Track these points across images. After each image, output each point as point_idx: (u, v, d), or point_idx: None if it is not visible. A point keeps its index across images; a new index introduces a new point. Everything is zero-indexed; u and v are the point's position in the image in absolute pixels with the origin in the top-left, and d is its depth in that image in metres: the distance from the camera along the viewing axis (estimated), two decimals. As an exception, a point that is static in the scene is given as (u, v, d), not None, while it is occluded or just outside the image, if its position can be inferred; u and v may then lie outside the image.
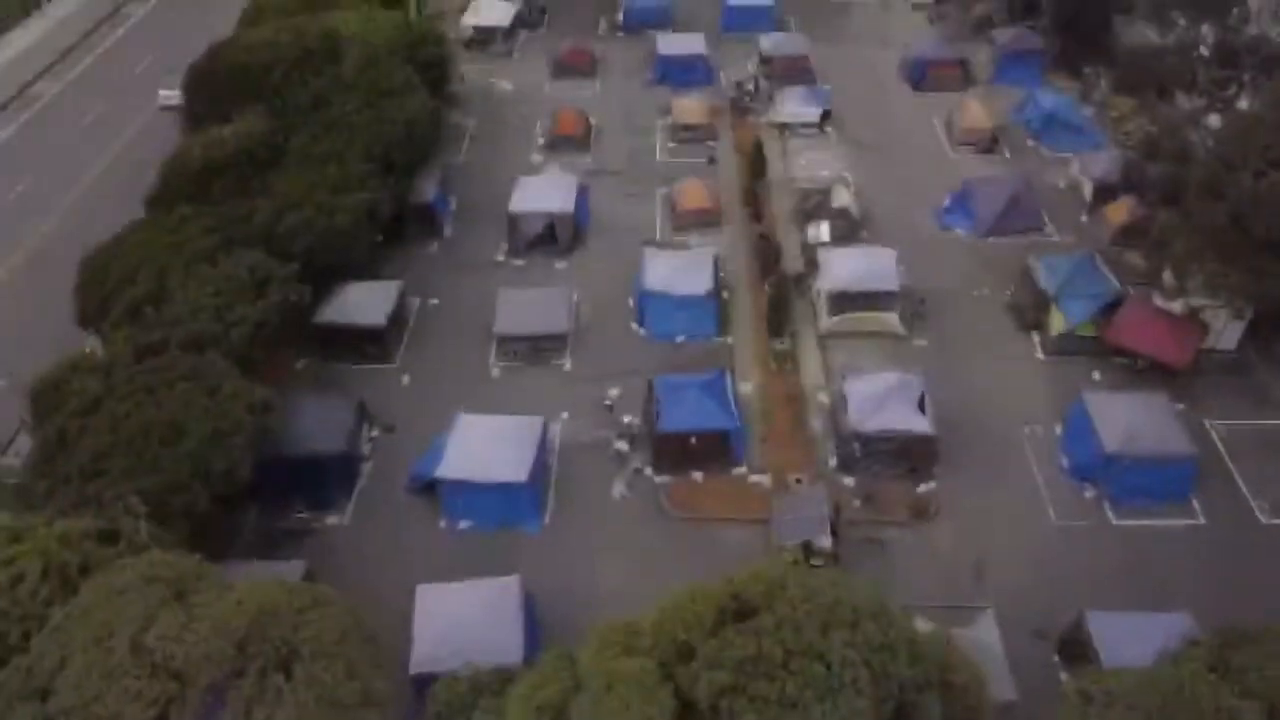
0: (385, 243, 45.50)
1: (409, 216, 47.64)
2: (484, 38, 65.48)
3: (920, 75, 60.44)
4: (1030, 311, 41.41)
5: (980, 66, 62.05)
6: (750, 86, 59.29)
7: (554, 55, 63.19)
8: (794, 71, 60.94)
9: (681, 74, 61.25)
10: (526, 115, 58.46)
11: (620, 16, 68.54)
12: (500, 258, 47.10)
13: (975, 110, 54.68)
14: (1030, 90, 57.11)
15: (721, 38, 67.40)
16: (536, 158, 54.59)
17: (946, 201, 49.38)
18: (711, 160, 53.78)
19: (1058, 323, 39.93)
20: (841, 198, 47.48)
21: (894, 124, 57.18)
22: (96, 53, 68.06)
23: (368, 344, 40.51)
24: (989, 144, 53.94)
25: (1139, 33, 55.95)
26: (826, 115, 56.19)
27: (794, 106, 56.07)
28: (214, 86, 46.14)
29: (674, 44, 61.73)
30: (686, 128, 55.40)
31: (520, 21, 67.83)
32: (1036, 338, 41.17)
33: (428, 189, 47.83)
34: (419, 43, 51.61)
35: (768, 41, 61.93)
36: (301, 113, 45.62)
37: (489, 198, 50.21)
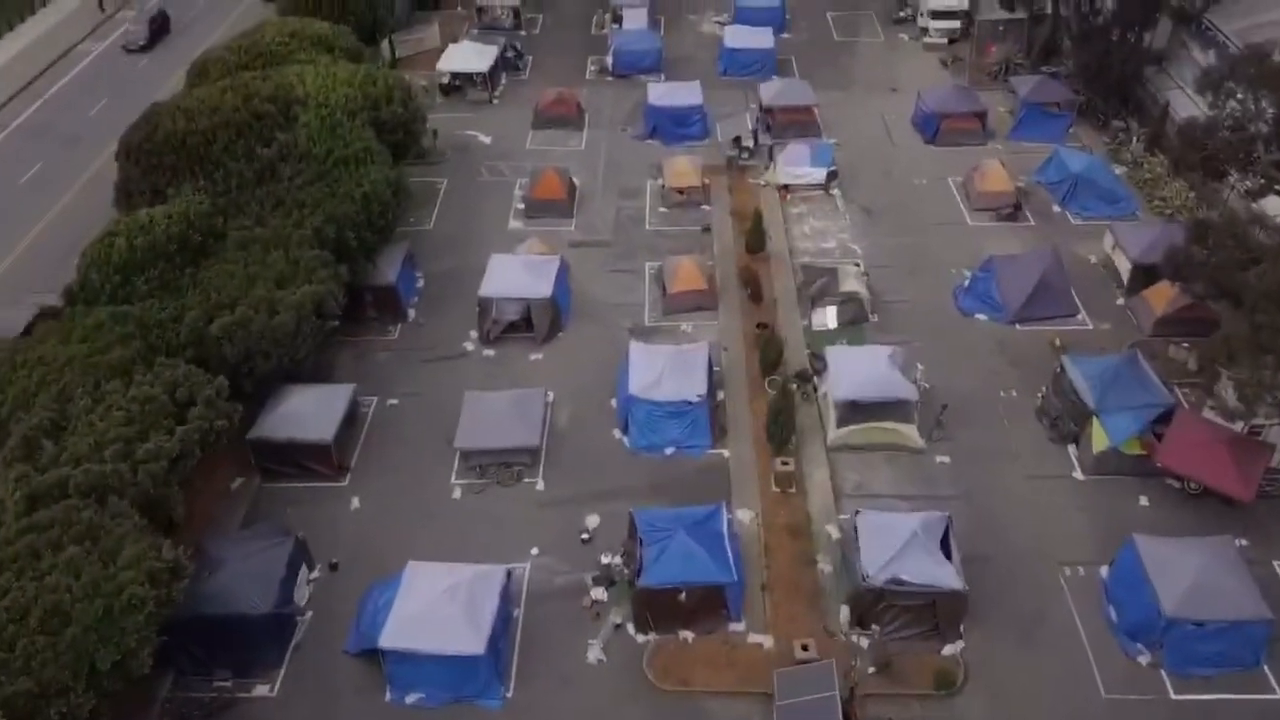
0: (342, 327, 40.59)
1: (369, 299, 42.78)
2: (462, 83, 60.61)
3: (934, 128, 55.55)
4: (1065, 421, 36.48)
5: (999, 117, 57.25)
6: (748, 142, 54.37)
7: (536, 104, 58.31)
8: (797, 124, 56.11)
9: (674, 127, 56.39)
10: (505, 173, 53.60)
11: (609, 59, 63.67)
12: (470, 346, 42.16)
13: (995, 172, 49.76)
14: (1055, 147, 52.19)
15: (719, 81, 62.70)
16: (515, 224, 49.69)
17: (966, 280, 44.48)
18: (706, 229, 48.87)
19: (1099, 439, 34.97)
20: (850, 281, 42.52)
21: (906, 185, 52.24)
22: (44, 97, 63.31)
23: (313, 461, 35.60)
24: (1011, 209, 49.01)
25: (1184, 101, 51.14)
26: (832, 176, 51.28)
27: (796, 166, 51.13)
28: (149, 159, 41.31)
29: (666, 94, 56.80)
30: (678, 191, 50.48)
31: (502, 64, 62.99)
32: (1074, 452, 36.24)
33: (390, 269, 42.91)
34: (384, 100, 46.65)
35: (768, 90, 57.00)
36: (246, 188, 40.84)
37: (461, 272, 45.44)
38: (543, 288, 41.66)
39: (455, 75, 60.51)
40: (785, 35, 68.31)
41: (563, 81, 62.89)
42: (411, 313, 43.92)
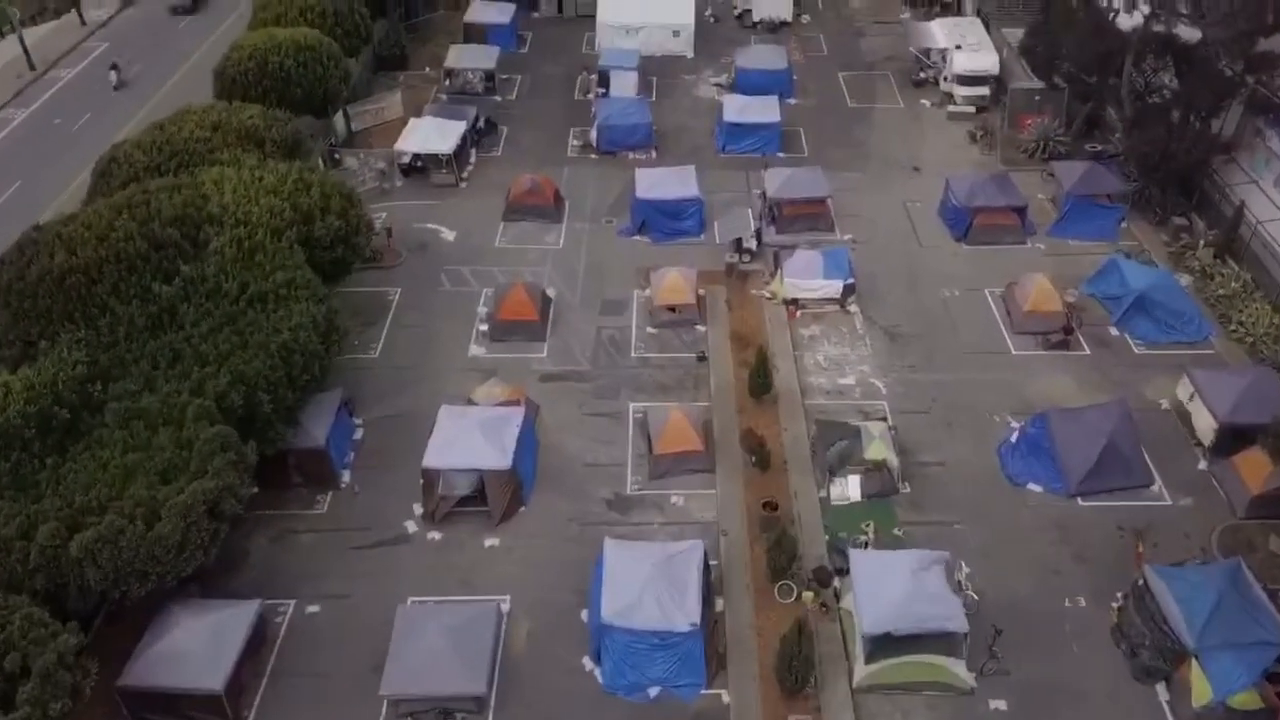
0: (259, 497, 33.09)
1: (292, 461, 35.34)
2: (425, 163, 53.15)
3: (965, 224, 48.05)
4: (1151, 654, 28.96)
5: (1038, 205, 49.82)
6: (751, 243, 46.90)
7: (508, 192, 50.81)
8: (807, 218, 48.71)
9: (666, 221, 48.91)
10: (470, 281, 46.14)
11: (593, 134, 56.18)
12: (412, 526, 34.65)
13: (1042, 290, 42.19)
14: (1112, 255, 44.78)
15: (717, 159, 55.29)
16: (477, 350, 42.19)
17: (1014, 434, 36.98)
18: (701, 357, 41.36)
19: (1200, 690, 27.45)
20: (875, 444, 34.96)
21: (935, 298, 44.73)
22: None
23: (202, 713, 28.09)
24: (1062, 335, 41.52)
25: (1261, 201, 43.76)
26: (849, 290, 43.79)
27: (807, 279, 43.62)
28: (20, 301, 33.80)
29: (656, 184, 49.22)
30: (669, 308, 43.02)
31: (471, 139, 55.57)
32: (1164, 695, 28.73)
33: (319, 427, 35.43)
34: (319, 211, 39.16)
35: (774, 179, 49.44)
36: (137, 338, 33.33)
37: (409, 419, 38.06)
38: (500, 455, 34.12)
39: (417, 156, 53.04)
40: (792, 101, 60.88)
41: (541, 158, 55.60)
42: (346, 475, 36.44)
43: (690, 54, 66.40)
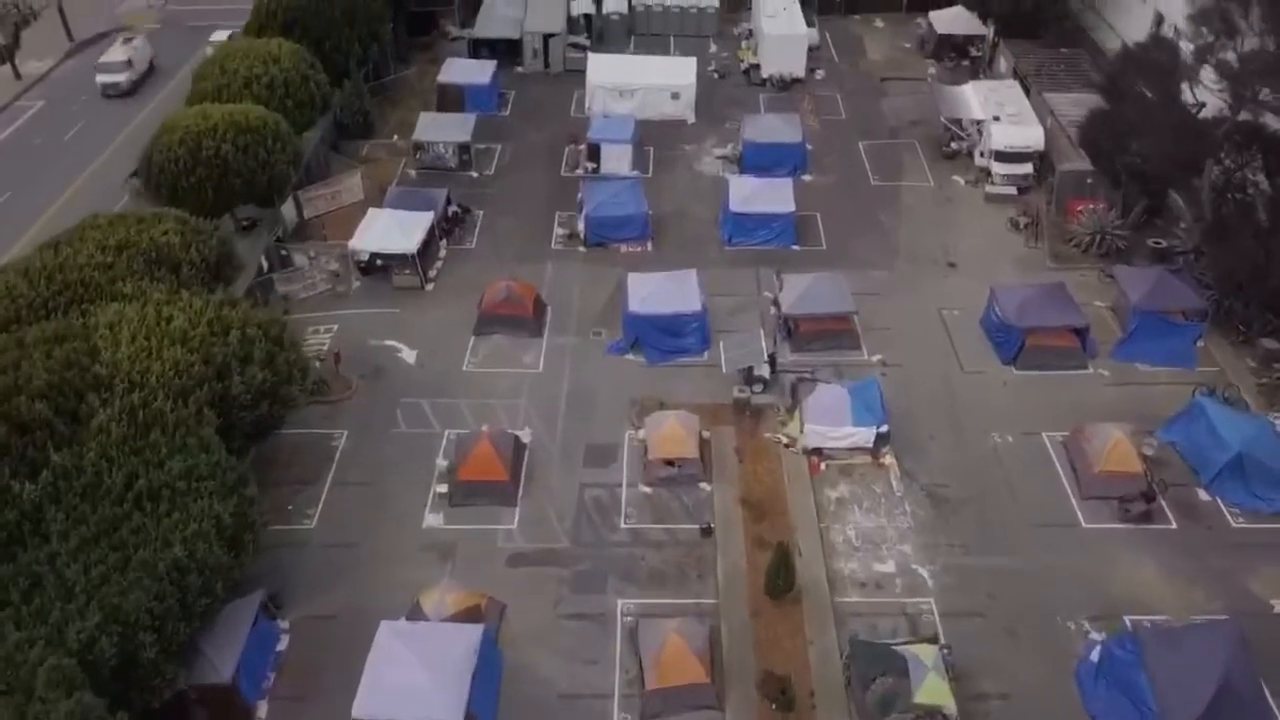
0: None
1: (192, 696, 28.12)
2: (386, 262, 45.97)
3: (1015, 345, 40.86)
4: None
5: (1098, 313, 42.73)
6: (764, 371, 39.70)
7: (481, 300, 43.63)
8: (829, 335, 41.62)
9: (663, 338, 41.76)
10: (431, 420, 38.95)
11: (581, 224, 48.95)
12: (342, 789, 27.48)
13: (1118, 447, 34.95)
14: (1196, 398, 37.50)
15: (723, 255, 48.14)
16: (433, 520, 34.94)
17: (1094, 653, 29.72)
18: (707, 530, 34.14)
19: None
20: (927, 681, 27.66)
21: (984, 445, 37.50)
22: None
23: None
24: (1142, 503, 34.26)
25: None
26: (883, 439, 36.59)
27: (832, 424, 36.43)
28: None
29: (653, 296, 41.95)
30: (667, 462, 35.83)
31: (440, 229, 48.38)
32: None
33: (225, 658, 28.17)
34: (238, 361, 31.97)
35: (791, 290, 42.25)
36: (-15, 561, 26.14)
37: (348, 618, 31.05)
38: (450, 705, 26.86)
39: (376, 255, 45.84)
40: (807, 177, 53.68)
41: (520, 250, 48.47)
42: (263, 709, 29.22)
43: (691, 118, 59.18)
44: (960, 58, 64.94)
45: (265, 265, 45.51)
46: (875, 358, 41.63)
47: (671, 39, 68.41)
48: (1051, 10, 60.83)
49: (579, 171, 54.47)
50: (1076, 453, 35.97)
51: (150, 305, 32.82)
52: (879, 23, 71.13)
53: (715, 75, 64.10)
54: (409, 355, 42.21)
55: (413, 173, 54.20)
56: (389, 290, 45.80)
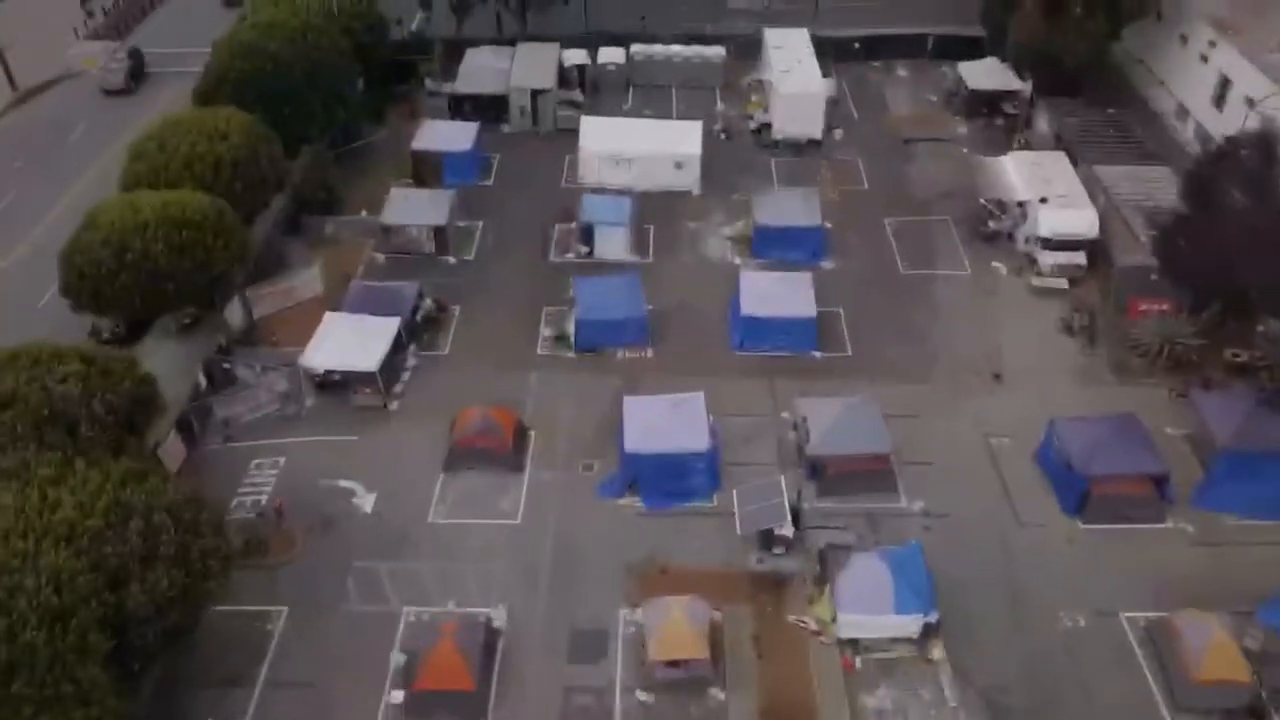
0: None
1: None
2: (344, 377, 39.71)
3: (1079, 494, 34.61)
4: None
5: (1170, 443, 36.53)
6: (786, 530, 33.36)
7: (452, 430, 37.39)
8: (862, 478, 35.40)
9: (665, 481, 35.54)
10: (386, 592, 32.67)
11: (571, 328, 42.67)
12: None
13: (1218, 647, 28.69)
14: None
15: (732, 363, 41.89)
16: (385, 736, 28.77)
17: None
18: (720, 757, 27.93)
19: None
20: None
21: (1052, 630, 31.22)
22: None
23: None
24: (1252, 722, 28.05)
25: None
26: (931, 628, 30.30)
27: (868, 610, 30.17)
28: None
29: (652, 429, 35.61)
30: (670, 665, 29.55)
31: (408, 335, 42.17)
32: None
33: None
34: (138, 567, 25.61)
35: (816, 423, 36.01)
36: None
37: None
38: None
39: (332, 373, 39.58)
40: (827, 264, 47.46)
41: (501, 358, 42.26)
42: None
43: (696, 190, 52.85)
44: (993, 115, 58.64)
45: (204, 383, 39.22)
46: (916, 505, 35.39)
47: (673, 90, 62.10)
48: (1097, 66, 54.49)
49: (570, 256, 48.22)
50: (1167, 651, 29.66)
51: (33, 487, 26.53)
52: (901, 71, 64.85)
53: (721, 135, 57.80)
54: (366, 500, 35.93)
55: (381, 258, 47.90)
56: (347, 411, 39.56)
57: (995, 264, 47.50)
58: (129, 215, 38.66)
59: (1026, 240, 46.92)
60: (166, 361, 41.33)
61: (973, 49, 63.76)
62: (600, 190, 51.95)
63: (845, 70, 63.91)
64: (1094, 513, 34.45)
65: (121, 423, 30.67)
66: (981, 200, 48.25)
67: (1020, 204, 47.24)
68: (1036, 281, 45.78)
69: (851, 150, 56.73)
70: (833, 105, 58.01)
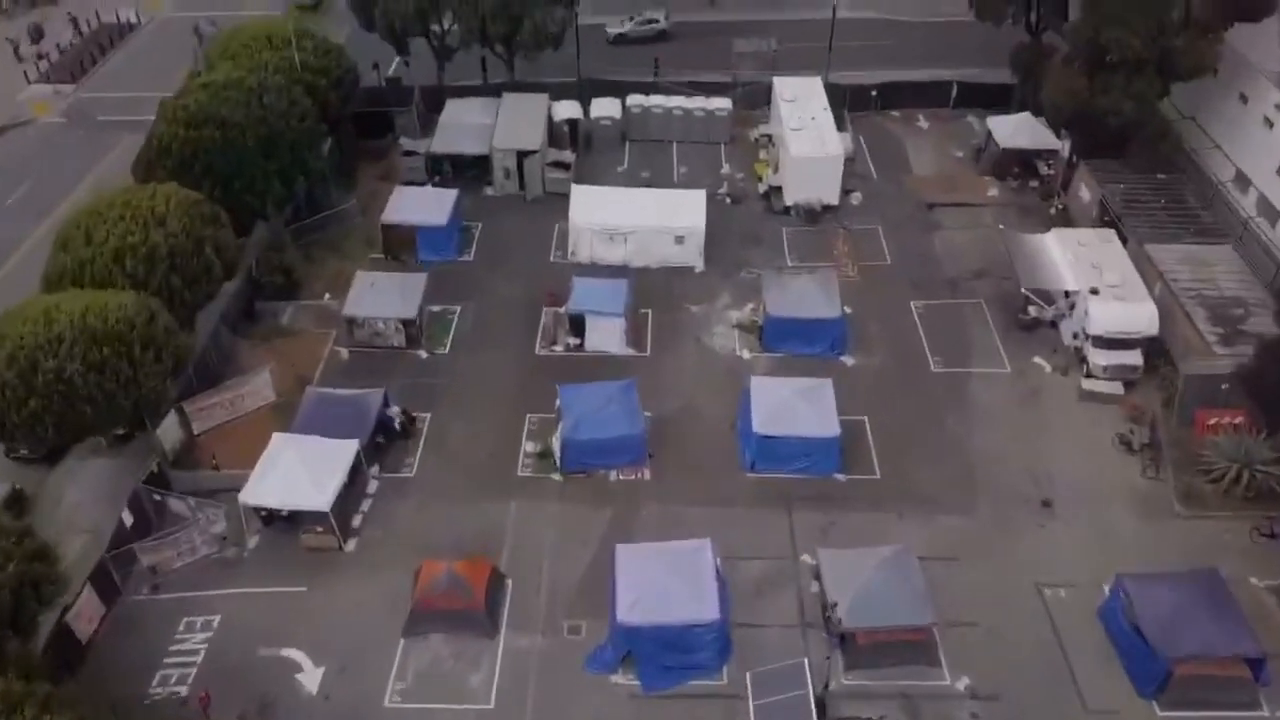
0: None
1: None
2: (292, 514, 34.25)
3: (1159, 676, 29.09)
4: None
5: (1253, 595, 31.12)
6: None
7: (415, 579, 31.88)
8: (898, 649, 29.95)
9: (665, 655, 30.04)
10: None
11: (556, 446, 37.15)
12: None
13: None
14: None
15: (742, 489, 36.46)
16: None
17: None
18: None
19: None
20: None
21: None
22: None
23: None
24: None
25: None
26: None
27: None
28: None
29: (650, 592, 30.09)
30: None
31: (375, 447, 36.80)
32: None
33: None
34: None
35: (845, 586, 30.43)
36: None
37: None
38: None
39: (270, 510, 34.12)
40: (849, 360, 42.03)
41: (476, 483, 36.99)
42: None
43: (699, 266, 47.38)
44: (1027, 177, 53.15)
45: (128, 521, 33.70)
46: (961, 683, 29.96)
47: (673, 146, 56.61)
48: (1147, 126, 48.96)
49: (557, 348, 42.78)
50: None
51: None
52: (923, 121, 59.31)
53: (727, 200, 52.27)
54: (311, 676, 30.47)
55: (344, 353, 42.44)
56: (296, 552, 34.09)
57: (1037, 359, 42.01)
58: (42, 328, 33.22)
59: (1075, 336, 41.45)
60: (91, 485, 36.39)
61: (1001, 98, 58.47)
62: (593, 265, 46.79)
63: (862, 121, 58.46)
64: (1176, 698, 29.00)
65: (4, 618, 25.14)
66: (1024, 290, 42.62)
67: (1067, 294, 41.76)
68: (1087, 385, 40.27)
69: (871, 217, 51.21)
70: (849, 163, 52.40)
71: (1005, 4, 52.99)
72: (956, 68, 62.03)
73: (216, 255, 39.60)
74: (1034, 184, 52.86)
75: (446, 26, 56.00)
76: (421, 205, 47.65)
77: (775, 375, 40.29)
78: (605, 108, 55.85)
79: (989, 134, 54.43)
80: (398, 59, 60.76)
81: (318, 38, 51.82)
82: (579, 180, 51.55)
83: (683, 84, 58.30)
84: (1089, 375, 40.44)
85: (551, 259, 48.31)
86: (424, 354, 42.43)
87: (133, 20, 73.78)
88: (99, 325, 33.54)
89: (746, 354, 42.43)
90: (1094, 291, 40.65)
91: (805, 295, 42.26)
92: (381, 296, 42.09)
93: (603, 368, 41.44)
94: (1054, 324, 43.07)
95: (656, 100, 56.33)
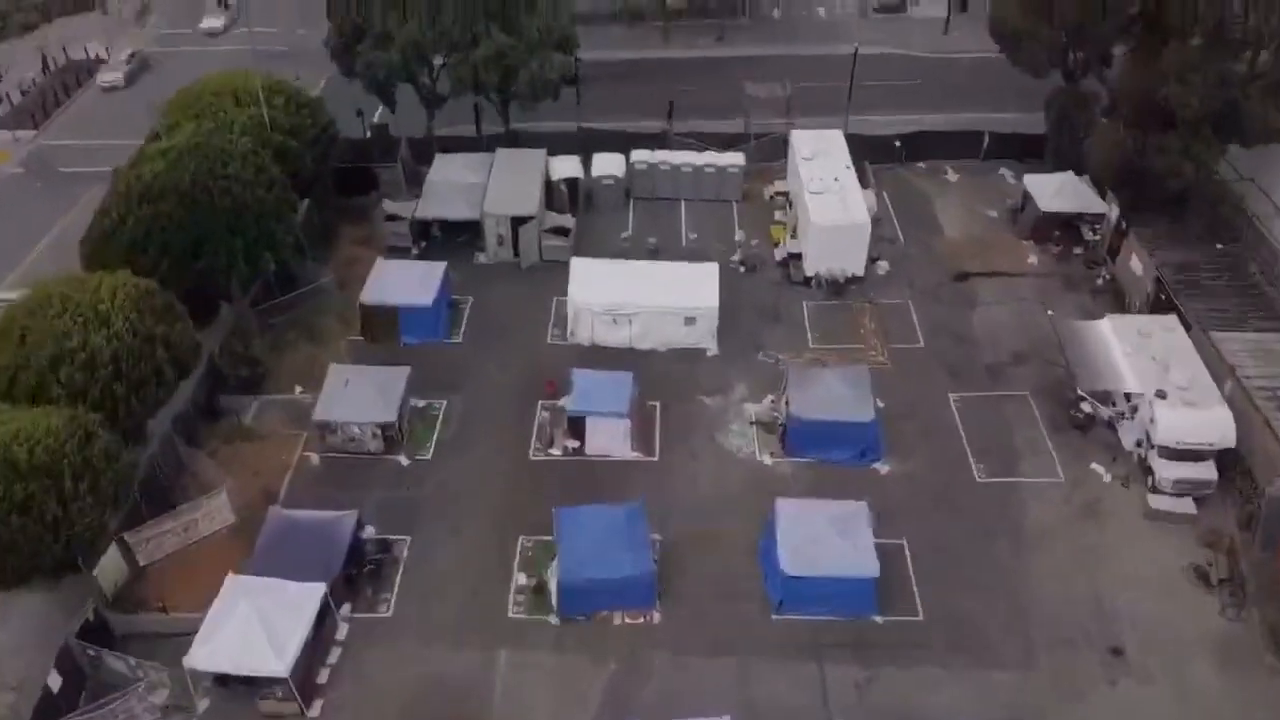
0: None
1: None
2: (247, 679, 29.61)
3: None
4: None
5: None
6: None
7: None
8: None
9: None
10: None
11: (552, 585, 32.45)
12: None
13: None
14: None
15: (773, 624, 31.88)
16: None
17: None
18: None
19: None
20: None
21: None
22: None
23: None
24: None
25: None
26: None
27: None
28: None
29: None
30: None
31: (347, 585, 32.14)
32: None
33: None
34: None
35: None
36: None
37: None
38: None
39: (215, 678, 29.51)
40: (883, 467, 37.43)
41: (460, 620, 32.29)
42: None
43: (712, 349, 42.81)
44: (1070, 242, 48.52)
45: (55, 684, 29.04)
46: None
47: (682, 204, 52.03)
48: (1207, 189, 44.42)
49: (555, 452, 38.17)
50: None
51: None
52: (951, 174, 54.73)
53: (740, 269, 47.70)
54: None
55: (316, 459, 37.78)
56: (253, 719, 29.44)
57: (1095, 466, 37.39)
58: (-42, 460, 28.65)
59: (1138, 444, 36.84)
60: (20, 628, 31.99)
61: (1035, 147, 54.00)
62: (594, 347, 42.27)
63: (885, 175, 53.89)
64: None
65: None
66: (1080, 393, 38.02)
67: (1130, 398, 37.15)
68: (1154, 502, 35.62)
69: (900, 288, 46.61)
70: (874, 224, 47.76)
71: (1043, 54, 48.29)
72: (983, 110, 58.07)
73: (169, 355, 35.01)
74: (1078, 250, 48.26)
75: (435, 76, 51.50)
76: (405, 283, 42.92)
77: (799, 479, 36.44)
78: (608, 165, 51.20)
79: (1025, 192, 49.86)
80: (382, 107, 56.24)
81: (291, 90, 47.15)
82: (579, 247, 47.25)
83: (691, 137, 53.76)
84: (1155, 490, 35.80)
85: (549, 339, 43.73)
86: (404, 460, 37.78)
87: (103, 56, 69.24)
88: (22, 457, 28.95)
89: (768, 459, 37.83)
90: (1160, 395, 36.01)
91: (833, 394, 37.57)
92: (357, 397, 37.39)
93: (606, 475, 36.93)
94: (1110, 424, 38.49)
95: (663, 156, 51.76)
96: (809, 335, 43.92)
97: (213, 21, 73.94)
